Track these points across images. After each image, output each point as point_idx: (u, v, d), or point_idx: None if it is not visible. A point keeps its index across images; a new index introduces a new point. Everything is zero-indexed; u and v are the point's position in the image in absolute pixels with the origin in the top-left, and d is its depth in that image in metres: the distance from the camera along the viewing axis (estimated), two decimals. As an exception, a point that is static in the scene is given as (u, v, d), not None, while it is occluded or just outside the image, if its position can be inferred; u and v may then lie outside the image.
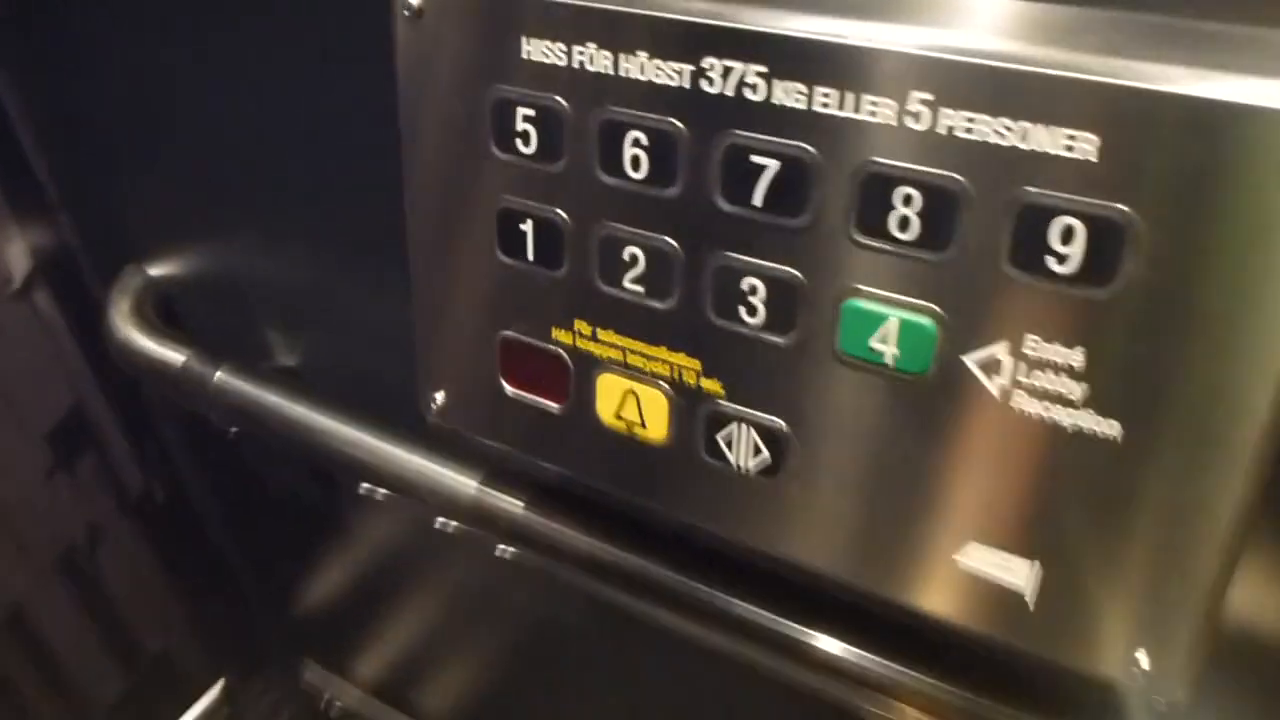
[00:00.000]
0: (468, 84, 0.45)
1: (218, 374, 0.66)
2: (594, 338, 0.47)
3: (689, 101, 0.40)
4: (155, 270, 0.75)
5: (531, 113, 0.44)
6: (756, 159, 0.40)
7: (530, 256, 0.47)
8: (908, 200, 0.38)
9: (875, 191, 0.38)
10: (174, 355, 0.67)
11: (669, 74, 0.40)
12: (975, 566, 0.42)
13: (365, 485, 0.68)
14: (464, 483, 0.58)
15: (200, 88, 0.62)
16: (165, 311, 0.73)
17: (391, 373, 0.67)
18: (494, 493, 0.59)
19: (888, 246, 0.39)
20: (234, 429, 0.67)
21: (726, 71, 0.39)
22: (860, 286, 0.40)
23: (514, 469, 0.60)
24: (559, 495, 0.59)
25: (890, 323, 0.40)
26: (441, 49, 0.45)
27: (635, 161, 0.42)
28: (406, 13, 0.45)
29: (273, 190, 0.63)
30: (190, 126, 0.64)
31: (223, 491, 0.88)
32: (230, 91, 0.60)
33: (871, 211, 0.38)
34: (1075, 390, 0.37)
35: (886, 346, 0.40)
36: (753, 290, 0.42)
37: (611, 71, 0.41)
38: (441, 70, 0.46)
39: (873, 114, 0.37)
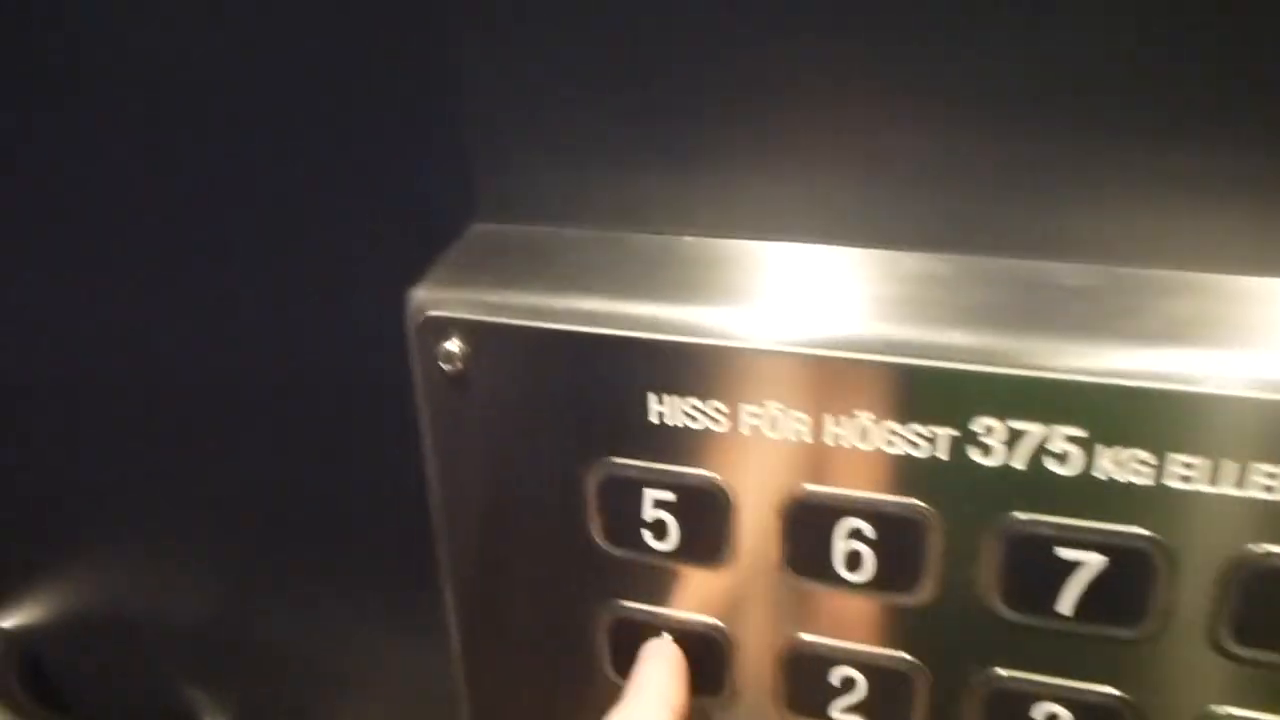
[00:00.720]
0: (551, 460, 0.30)
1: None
2: (777, 779, 0.32)
3: (946, 476, 0.27)
4: (11, 622, 0.54)
5: (670, 496, 0.29)
6: (1065, 553, 0.26)
7: (668, 680, 0.32)
8: (1321, 601, 0.25)
9: (1268, 590, 0.25)
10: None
11: (912, 440, 0.26)
12: None
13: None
14: None
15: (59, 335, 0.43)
16: (35, 679, 0.53)
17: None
18: None
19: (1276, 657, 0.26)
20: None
21: (1014, 436, 0.26)
22: (1230, 712, 0.27)
23: None
24: None
25: (1289, 757, 0.27)
26: (501, 416, 0.30)
27: (853, 559, 0.28)
28: (448, 367, 0.30)
29: (176, 492, 0.45)
30: (42, 401, 0.45)
31: None
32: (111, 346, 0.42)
33: (1254, 615, 0.26)
34: None
35: (1282, 786, 0.27)
36: (1051, 718, 0.28)
37: (810, 438, 0.27)
38: (503, 443, 0.30)
39: (1269, 488, 0.24)
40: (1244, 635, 0.26)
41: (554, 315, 0.29)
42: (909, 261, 0.28)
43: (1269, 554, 0.25)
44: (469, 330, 0.29)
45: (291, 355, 0.38)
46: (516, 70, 0.30)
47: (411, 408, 0.33)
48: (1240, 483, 0.25)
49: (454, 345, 0.30)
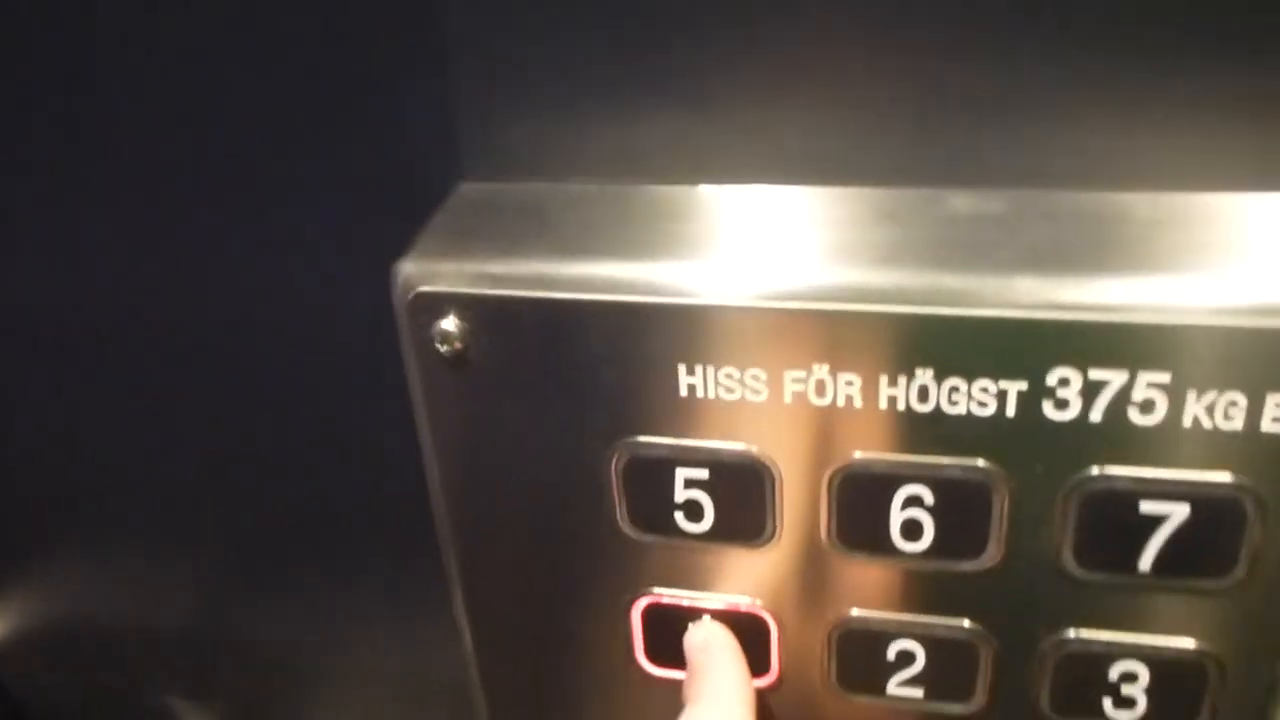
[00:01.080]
0: (567, 443, 0.27)
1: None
2: (828, 758, 0.30)
3: (1016, 435, 0.24)
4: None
5: (704, 474, 0.26)
6: (1148, 507, 0.24)
7: (707, 666, 0.29)
8: None
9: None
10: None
11: (978, 399, 0.24)
12: None
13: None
14: None
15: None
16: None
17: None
18: None
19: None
20: None
21: (1093, 387, 0.23)
22: (1327, 657, 0.25)
23: None
24: None
25: (1381, 699, 0.25)
26: (507, 398, 0.27)
27: (911, 528, 0.26)
28: (444, 348, 0.26)
29: (147, 489, 0.41)
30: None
31: None
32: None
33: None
34: None
35: (1370, 729, 0.26)
36: (1128, 677, 0.27)
37: (861, 403, 0.25)
38: (510, 427, 0.27)
39: (1374, 425, 0.22)
40: (1339, 578, 0.24)
41: (564, 284, 0.25)
42: (955, 200, 0.26)
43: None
44: (466, 306, 0.26)
45: (265, 330, 0.34)
46: (500, 14, 0.26)
47: (401, 387, 0.30)
48: (1344, 419, 0.23)
49: (450, 324, 0.26)
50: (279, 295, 0.32)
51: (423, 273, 0.26)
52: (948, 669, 0.28)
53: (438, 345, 0.27)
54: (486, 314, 0.26)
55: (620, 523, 0.28)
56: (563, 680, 0.31)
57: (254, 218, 0.31)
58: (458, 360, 0.27)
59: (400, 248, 0.27)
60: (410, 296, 0.26)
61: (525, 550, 0.29)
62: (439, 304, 0.26)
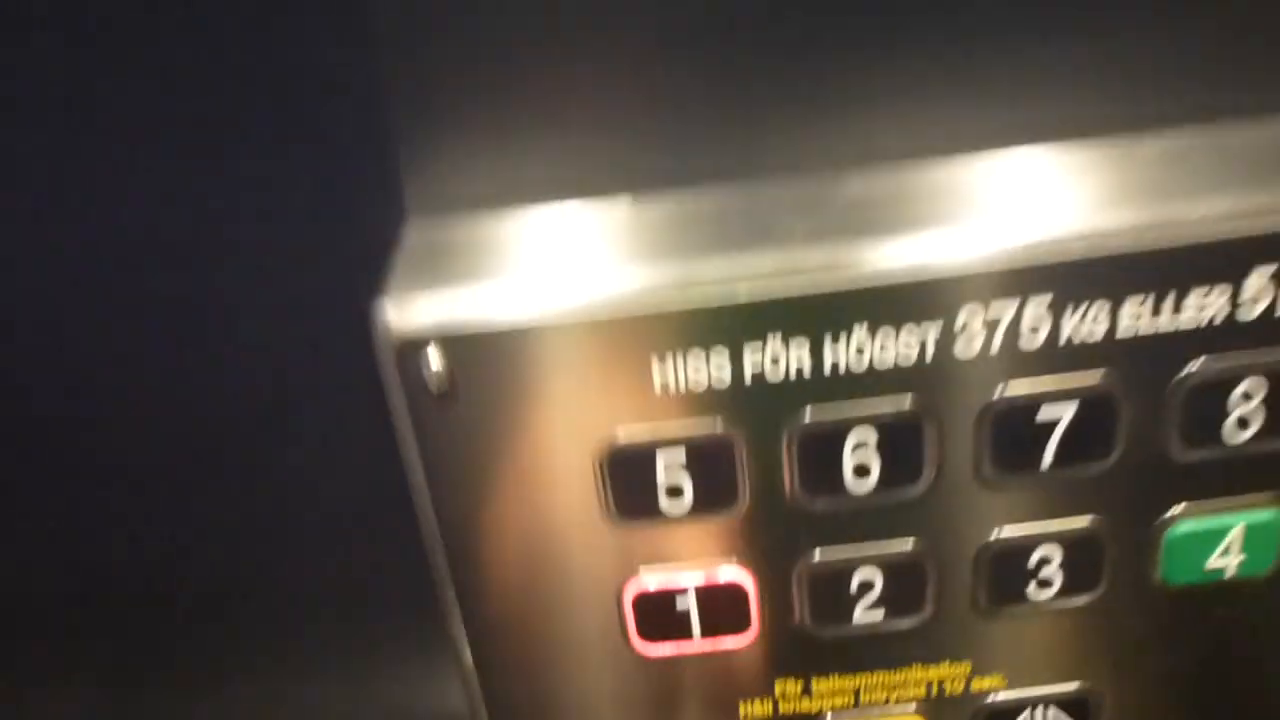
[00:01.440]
0: (552, 453, 0.30)
1: None
2: (807, 692, 0.34)
3: (931, 373, 0.29)
4: None
5: (679, 457, 0.30)
6: (1045, 413, 0.30)
7: (696, 633, 0.33)
8: (1247, 396, 0.30)
9: (1208, 399, 0.30)
10: None
11: (902, 348, 0.29)
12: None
13: None
14: None
15: None
16: None
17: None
18: None
19: (1220, 454, 0.31)
20: None
21: (992, 325, 0.29)
22: (1188, 509, 0.32)
23: None
24: None
25: (1234, 532, 0.32)
26: (497, 426, 0.30)
27: (861, 470, 0.30)
28: (435, 390, 0.29)
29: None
30: None
31: None
32: None
33: (1202, 422, 0.30)
34: None
35: (1229, 559, 0.32)
36: (1044, 561, 0.32)
37: (809, 370, 0.29)
38: (502, 451, 0.30)
39: (1202, 310, 0.29)
40: (1193, 441, 0.31)
41: (546, 310, 0.28)
42: (850, 184, 0.30)
43: (1205, 366, 0.29)
44: (453, 344, 0.29)
45: (206, 386, 0.34)
46: (433, 44, 0.28)
47: (354, 437, 0.31)
48: (1178, 309, 0.29)
49: (438, 364, 0.29)
50: (229, 346, 0.33)
51: (406, 315, 0.29)
52: (902, 587, 0.32)
53: (429, 387, 0.29)
54: (473, 350, 0.29)
55: (602, 515, 0.31)
56: (564, 679, 0.34)
57: (204, 271, 0.32)
58: (446, 397, 0.29)
59: (354, 292, 0.29)
60: (399, 341, 0.29)
61: (521, 561, 0.32)
62: (426, 345, 0.29)
